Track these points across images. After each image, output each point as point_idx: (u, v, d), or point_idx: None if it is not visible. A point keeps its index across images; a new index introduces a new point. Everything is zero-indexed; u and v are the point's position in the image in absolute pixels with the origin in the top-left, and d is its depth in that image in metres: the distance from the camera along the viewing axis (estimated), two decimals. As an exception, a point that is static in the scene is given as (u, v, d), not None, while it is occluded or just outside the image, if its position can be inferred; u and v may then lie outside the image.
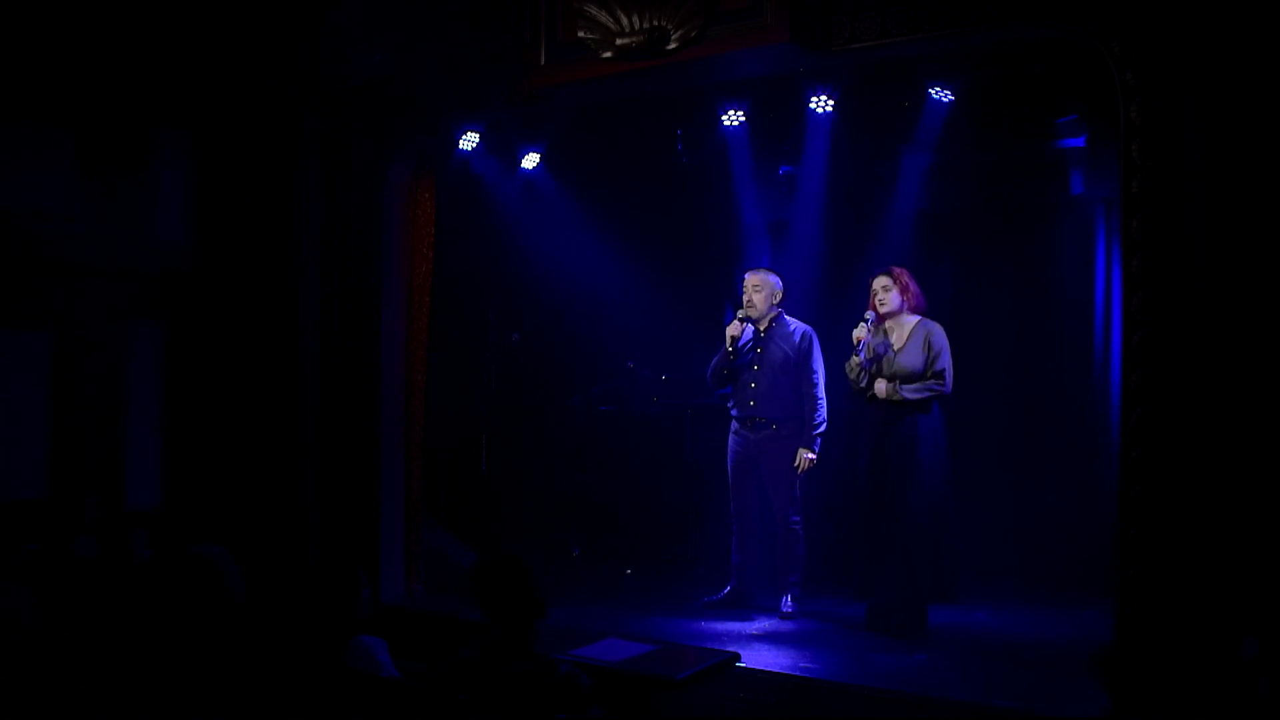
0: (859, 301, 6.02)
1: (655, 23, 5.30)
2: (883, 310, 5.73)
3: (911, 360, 5.62)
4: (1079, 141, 6.64)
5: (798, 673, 4.97)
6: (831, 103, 6.09)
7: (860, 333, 5.68)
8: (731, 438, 6.19)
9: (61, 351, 6.44)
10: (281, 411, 6.49)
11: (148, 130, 6.69)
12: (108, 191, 6.54)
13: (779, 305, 6.13)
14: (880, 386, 5.64)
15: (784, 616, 5.92)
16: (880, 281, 5.74)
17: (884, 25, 4.93)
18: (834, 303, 6.81)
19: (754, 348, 6.10)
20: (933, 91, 5.97)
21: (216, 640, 2.99)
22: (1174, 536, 4.23)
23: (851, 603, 5.97)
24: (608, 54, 5.44)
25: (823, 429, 5.98)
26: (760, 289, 6.06)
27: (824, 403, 5.99)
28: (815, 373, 6.01)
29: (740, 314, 6.07)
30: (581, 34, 5.50)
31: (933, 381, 5.59)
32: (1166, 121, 4.27)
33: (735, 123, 6.58)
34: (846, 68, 5.72)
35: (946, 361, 5.61)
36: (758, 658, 5.17)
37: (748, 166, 7.12)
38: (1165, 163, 4.27)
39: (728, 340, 6.04)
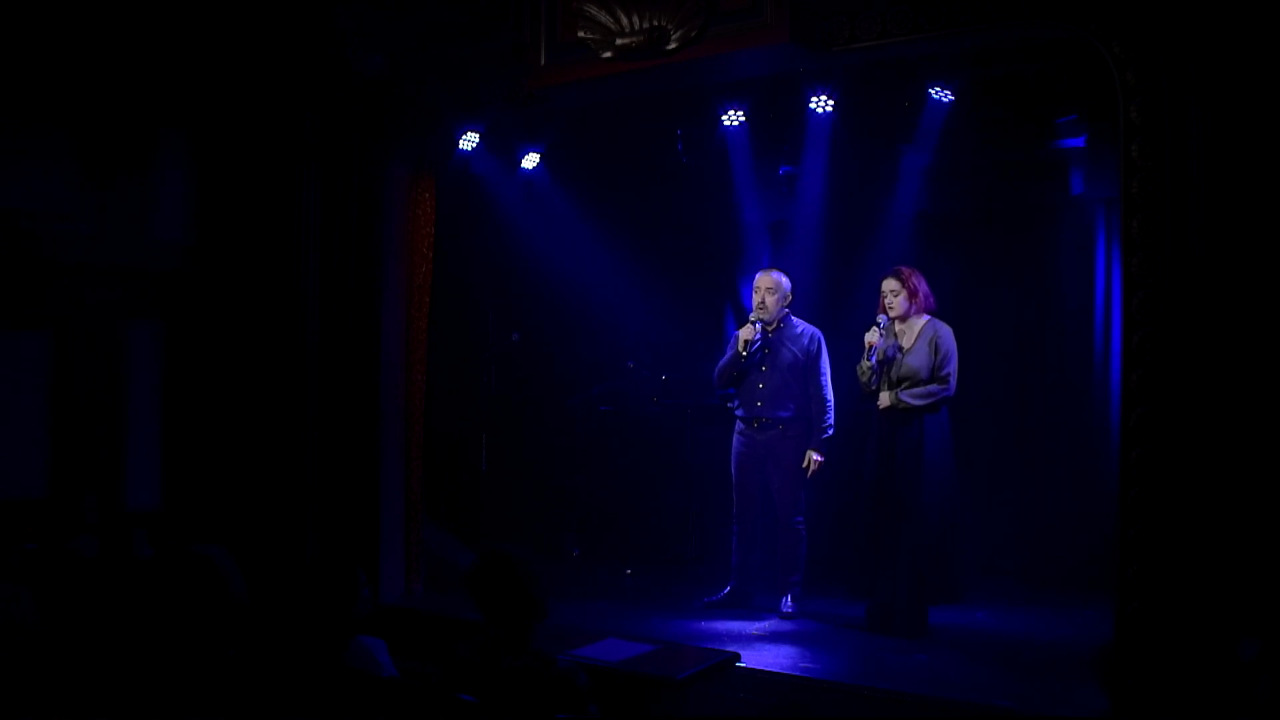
0: (860, 301, 6.01)
1: (655, 23, 5.30)
2: (892, 314, 5.73)
3: (918, 361, 5.63)
4: (1079, 141, 6.64)
5: (798, 673, 4.97)
6: (831, 103, 6.08)
7: (872, 337, 5.69)
8: (736, 438, 6.19)
9: (61, 351, 6.43)
10: (281, 411, 6.49)
11: (148, 130, 6.68)
12: (108, 191, 6.53)
13: (787, 307, 6.13)
14: (883, 399, 5.66)
15: (784, 616, 5.93)
16: (889, 284, 5.74)
17: (884, 25, 4.93)
18: (834, 303, 6.83)
19: (762, 349, 6.09)
20: (933, 91, 5.96)
21: (216, 640, 2.99)
22: (1174, 536, 4.23)
23: (851, 603, 5.97)
24: (608, 54, 5.44)
25: (830, 431, 5.99)
26: (774, 291, 6.05)
27: (832, 405, 6.00)
28: (823, 375, 6.03)
29: (752, 316, 6.06)
30: (581, 34, 5.50)
31: (936, 385, 5.60)
32: (1166, 121, 4.27)
33: (735, 123, 6.58)
34: (846, 68, 5.72)
35: (953, 366, 5.62)
36: (758, 658, 5.17)
37: (748, 166, 7.12)
38: (1165, 163, 4.27)
39: (739, 343, 6.01)
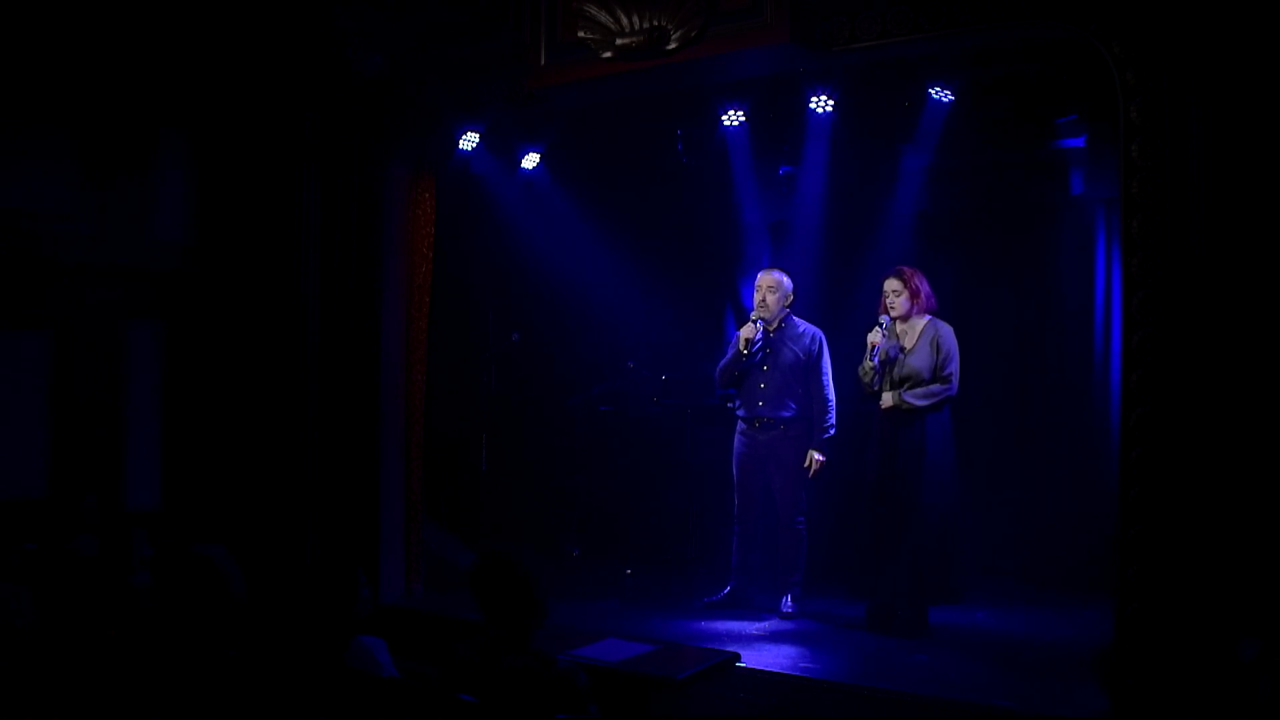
0: (860, 301, 6.00)
1: (655, 23, 5.30)
2: (894, 314, 5.74)
3: (920, 361, 5.63)
4: (1079, 141, 6.64)
5: (798, 673, 4.97)
6: (831, 103, 6.08)
7: (875, 337, 5.69)
8: (738, 438, 6.19)
9: (61, 351, 6.43)
10: (281, 411, 6.49)
11: (148, 130, 6.68)
12: (108, 191, 6.53)
13: (788, 306, 6.13)
14: (885, 399, 5.67)
15: (784, 616, 5.93)
16: (890, 284, 5.74)
17: (884, 25, 4.93)
18: (834, 303, 6.82)
19: (763, 348, 6.09)
20: (933, 91, 5.96)
21: (217, 640, 3.00)
22: (1174, 536, 4.23)
23: (851, 603, 5.98)
24: (608, 54, 5.44)
25: (832, 431, 5.99)
26: (775, 290, 6.06)
27: (834, 404, 6.01)
28: (825, 374, 6.04)
29: (754, 314, 6.06)
30: (581, 34, 5.50)
31: (938, 385, 5.60)
32: (1166, 121, 4.27)
33: (735, 123, 6.57)
34: (846, 68, 5.72)
35: (954, 365, 5.62)
36: (758, 658, 5.17)
37: (748, 166, 7.12)
38: (1165, 163, 4.27)
39: (741, 342, 6.01)
